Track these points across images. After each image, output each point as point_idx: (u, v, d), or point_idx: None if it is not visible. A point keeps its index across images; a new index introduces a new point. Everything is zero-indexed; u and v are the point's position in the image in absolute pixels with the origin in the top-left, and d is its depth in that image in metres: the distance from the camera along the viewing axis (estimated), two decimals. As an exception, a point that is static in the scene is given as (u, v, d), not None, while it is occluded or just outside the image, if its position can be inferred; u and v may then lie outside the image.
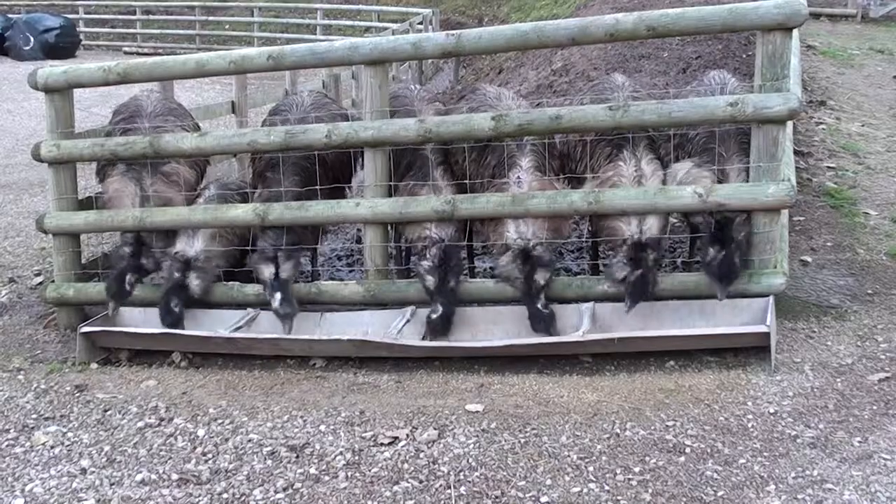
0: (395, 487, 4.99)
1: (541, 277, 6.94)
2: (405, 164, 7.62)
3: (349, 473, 5.16)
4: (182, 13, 38.55)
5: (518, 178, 7.20)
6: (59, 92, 7.94)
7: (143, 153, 7.68)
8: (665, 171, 7.14)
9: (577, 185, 7.35)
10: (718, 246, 6.64)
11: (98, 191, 8.29)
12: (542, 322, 6.91)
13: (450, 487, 4.95)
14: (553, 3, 30.25)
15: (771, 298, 6.61)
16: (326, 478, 5.14)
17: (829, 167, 10.26)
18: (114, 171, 7.97)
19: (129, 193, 7.82)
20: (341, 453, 5.39)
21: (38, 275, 9.11)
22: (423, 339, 7.10)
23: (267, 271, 7.37)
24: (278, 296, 7.25)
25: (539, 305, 6.93)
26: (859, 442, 5.18)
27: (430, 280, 7.13)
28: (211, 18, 37.60)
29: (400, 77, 22.35)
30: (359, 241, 9.40)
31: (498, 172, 7.31)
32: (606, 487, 4.87)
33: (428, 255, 7.21)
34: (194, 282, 7.47)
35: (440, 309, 7.07)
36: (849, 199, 9.21)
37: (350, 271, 9.23)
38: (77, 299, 8.03)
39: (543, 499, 4.81)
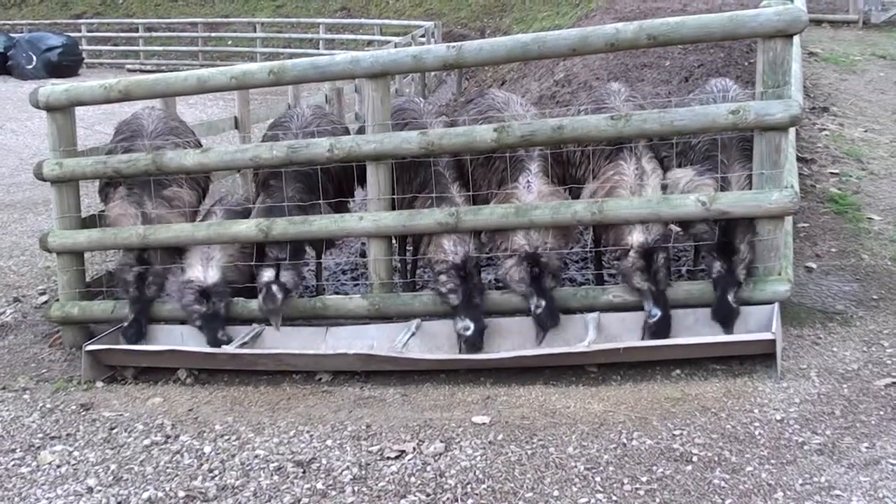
0: (403, 501, 4.98)
1: (548, 281, 6.96)
2: (419, 182, 7.63)
3: (356, 488, 5.15)
4: (184, 30, 38.71)
5: (528, 181, 7.21)
6: (61, 110, 7.94)
7: (145, 170, 7.69)
8: (665, 174, 7.15)
9: (578, 190, 7.35)
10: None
11: (101, 209, 8.30)
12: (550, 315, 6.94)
13: (457, 500, 4.94)
14: (555, 13, 30.36)
15: (776, 305, 6.61)
16: (333, 493, 5.13)
17: (832, 173, 10.25)
18: (115, 194, 8.00)
19: (131, 217, 7.83)
20: (348, 468, 5.37)
21: (42, 294, 9.12)
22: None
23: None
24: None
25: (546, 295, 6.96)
26: (867, 448, 5.16)
27: (451, 286, 7.15)
28: (213, 35, 37.76)
29: (403, 90, 22.37)
30: (363, 254, 9.41)
31: (507, 177, 7.32)
32: (614, 498, 4.85)
33: (446, 270, 7.20)
34: (219, 304, 7.52)
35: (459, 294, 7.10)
36: (853, 205, 9.20)
37: (355, 285, 9.23)
38: (82, 317, 8.03)
39: (551, 510, 4.81)
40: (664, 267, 6.84)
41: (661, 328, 6.76)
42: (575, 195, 7.32)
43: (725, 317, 6.67)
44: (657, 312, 6.77)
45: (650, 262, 6.78)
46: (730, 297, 6.65)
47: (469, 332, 7.05)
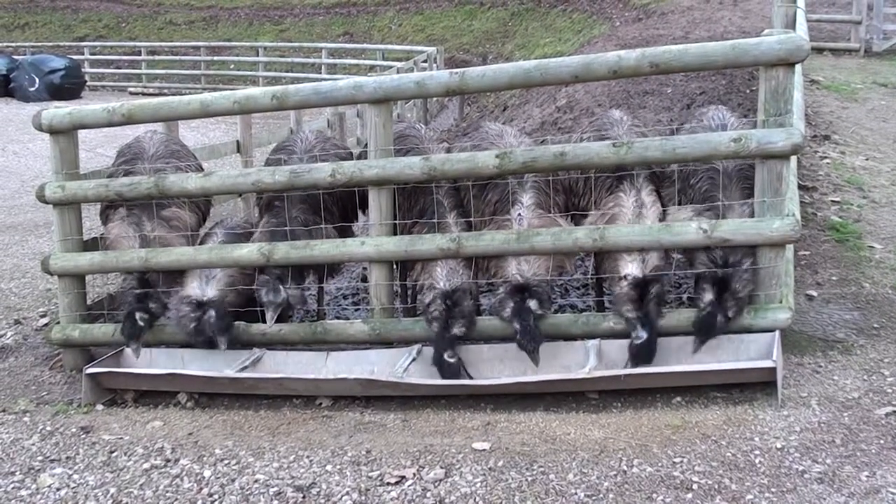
0: (402, 527, 4.98)
1: (534, 304, 6.94)
2: (418, 210, 7.63)
3: (355, 513, 5.15)
4: (187, 53, 38.92)
5: (519, 215, 7.21)
6: (64, 133, 7.95)
7: (147, 193, 7.70)
8: (666, 214, 7.15)
9: (580, 219, 7.35)
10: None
11: (103, 232, 8.30)
12: (529, 335, 6.87)
13: (457, 527, 4.94)
14: (557, 40, 30.44)
15: (777, 333, 6.60)
16: (333, 518, 5.13)
17: (833, 201, 10.26)
18: (115, 215, 8.01)
19: (130, 238, 7.84)
20: (348, 493, 5.36)
21: (43, 316, 9.12)
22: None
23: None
24: None
25: (530, 321, 6.91)
26: (867, 476, 5.15)
27: (437, 314, 7.13)
28: (216, 58, 37.91)
29: (405, 115, 22.42)
30: (364, 279, 9.40)
31: (499, 209, 7.32)
32: (614, 525, 4.85)
33: (432, 300, 7.20)
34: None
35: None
36: (854, 233, 9.20)
37: (356, 310, 9.23)
38: (82, 340, 8.02)
39: (551, 537, 4.80)
40: (657, 298, 6.83)
41: (643, 352, 6.77)
42: (578, 224, 7.32)
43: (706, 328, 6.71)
44: (643, 335, 6.75)
45: (643, 294, 6.77)
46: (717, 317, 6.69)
47: (450, 359, 7.04)
